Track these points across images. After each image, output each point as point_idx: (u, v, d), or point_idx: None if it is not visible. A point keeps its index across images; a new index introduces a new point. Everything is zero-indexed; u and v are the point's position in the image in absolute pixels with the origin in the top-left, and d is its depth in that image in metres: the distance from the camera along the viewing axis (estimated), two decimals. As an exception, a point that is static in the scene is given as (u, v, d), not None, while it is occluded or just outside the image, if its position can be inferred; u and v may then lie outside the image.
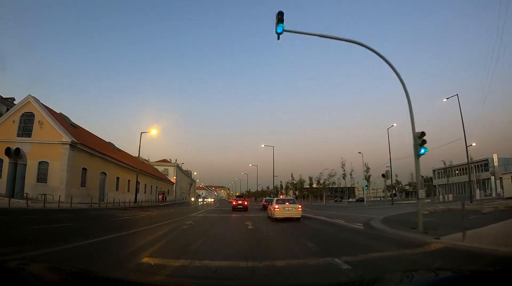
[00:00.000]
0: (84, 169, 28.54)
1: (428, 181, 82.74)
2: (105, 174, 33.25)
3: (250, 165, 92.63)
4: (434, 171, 78.96)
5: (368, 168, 46.06)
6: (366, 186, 41.33)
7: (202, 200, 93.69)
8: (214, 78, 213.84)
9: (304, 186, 71.26)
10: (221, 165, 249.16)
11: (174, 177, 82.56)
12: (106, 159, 33.10)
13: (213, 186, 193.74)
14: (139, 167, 37.50)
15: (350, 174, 50.98)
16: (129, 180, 40.16)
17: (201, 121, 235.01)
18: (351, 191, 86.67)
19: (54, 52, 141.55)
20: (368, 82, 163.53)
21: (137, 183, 36.38)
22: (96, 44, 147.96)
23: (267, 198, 34.97)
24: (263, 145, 44.73)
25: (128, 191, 39.63)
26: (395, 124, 37.55)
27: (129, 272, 4.38)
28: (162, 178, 67.36)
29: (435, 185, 77.42)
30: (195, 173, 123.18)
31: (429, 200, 50.89)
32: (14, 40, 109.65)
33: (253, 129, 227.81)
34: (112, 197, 33.14)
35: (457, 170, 64.04)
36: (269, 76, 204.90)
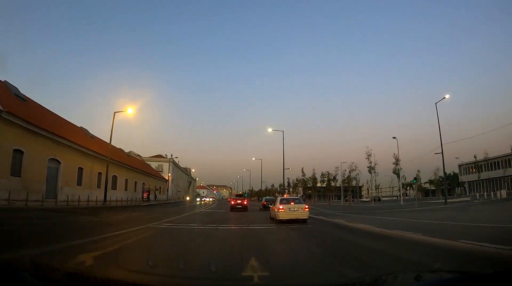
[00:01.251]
0: (18, 152, 20.14)
1: (452, 177, 74.17)
2: (58, 162, 24.82)
3: (254, 158, 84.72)
4: (460, 166, 70.29)
5: (398, 160, 37.46)
6: (415, 179, 32.39)
7: (199, 199, 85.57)
8: (215, 76, 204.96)
9: (317, 184, 62.78)
10: (223, 164, 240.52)
11: (169, 174, 74.90)
12: (60, 142, 24.62)
13: (215, 185, 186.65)
14: (110, 156, 29.13)
15: (374, 169, 41.84)
16: (99, 173, 31.80)
17: (203, 120, 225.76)
18: (352, 190, 77.37)
19: (53, 53, 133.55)
20: (372, 80, 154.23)
21: (107, 176, 27.99)
22: (96, 43, 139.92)
23: (267, 197, 34.92)
24: (270, 130, 36.28)
25: (99, 187, 31.32)
26: (447, 96, 25.94)
27: (128, 272, 4.07)
28: (152, 174, 59.07)
29: (464, 182, 68.54)
30: (193, 170, 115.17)
31: (467, 199, 42.54)
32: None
33: (255, 129, 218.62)
34: (70, 193, 24.87)
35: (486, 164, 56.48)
36: (272, 73, 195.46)
